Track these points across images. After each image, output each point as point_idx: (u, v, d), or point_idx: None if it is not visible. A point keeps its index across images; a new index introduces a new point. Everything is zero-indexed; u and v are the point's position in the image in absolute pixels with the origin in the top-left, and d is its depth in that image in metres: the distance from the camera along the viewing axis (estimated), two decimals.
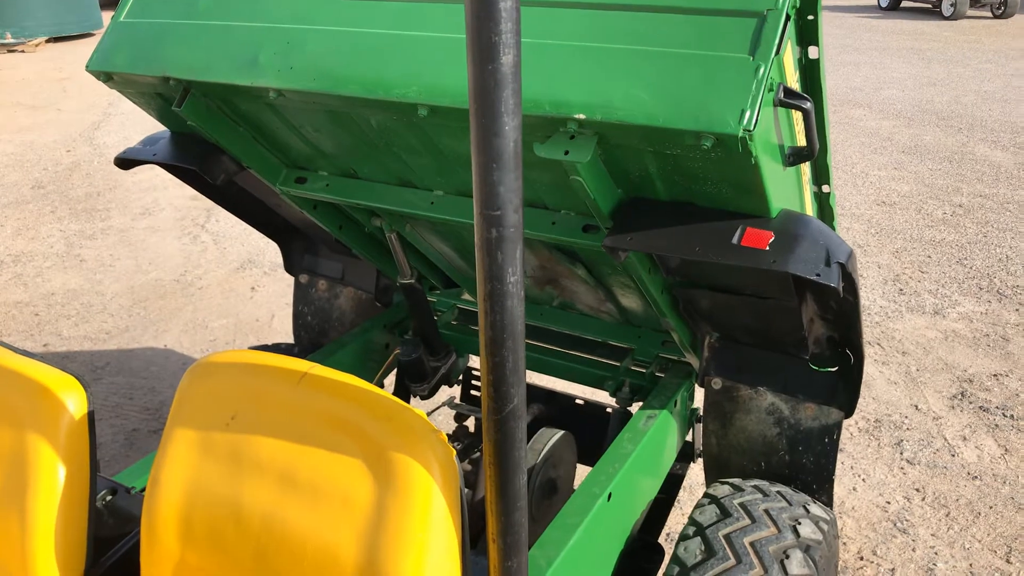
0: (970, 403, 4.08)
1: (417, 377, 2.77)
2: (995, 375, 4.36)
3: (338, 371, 1.30)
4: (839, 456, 3.53)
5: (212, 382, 1.37)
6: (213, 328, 4.71)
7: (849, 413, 2.21)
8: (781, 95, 1.52)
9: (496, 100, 0.88)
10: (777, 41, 1.45)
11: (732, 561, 1.83)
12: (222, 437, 1.32)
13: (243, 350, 1.40)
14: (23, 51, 14.40)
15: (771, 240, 1.66)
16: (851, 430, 3.78)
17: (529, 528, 1.62)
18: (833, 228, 2.30)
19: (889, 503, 3.25)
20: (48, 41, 14.97)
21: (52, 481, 1.52)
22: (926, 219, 7.20)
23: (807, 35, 1.68)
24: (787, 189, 1.83)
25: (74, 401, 1.55)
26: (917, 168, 8.73)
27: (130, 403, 3.89)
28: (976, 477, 3.46)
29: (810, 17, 1.62)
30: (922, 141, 9.61)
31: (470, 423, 2.86)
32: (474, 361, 3.20)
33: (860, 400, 4.02)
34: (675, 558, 1.89)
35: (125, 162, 2.27)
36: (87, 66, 2.07)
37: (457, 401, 2.83)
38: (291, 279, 2.96)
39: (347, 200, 2.14)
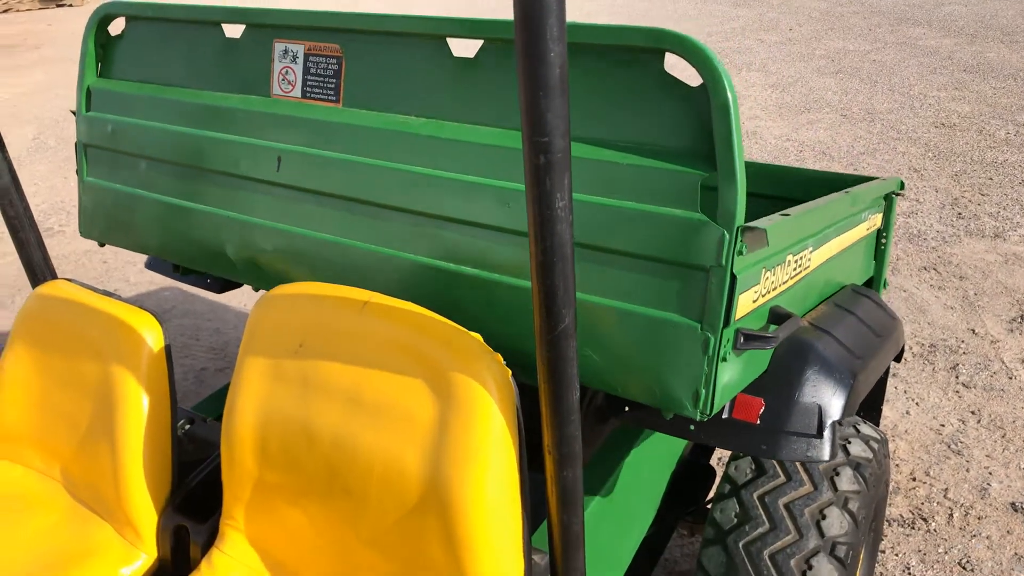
0: None
1: None
2: None
3: (397, 299, 1.37)
4: (892, 381, 3.53)
5: (280, 313, 1.45)
6: None
7: (897, 359, 2.23)
8: (741, 342, 1.40)
9: (541, 27, 0.90)
10: (724, 308, 1.33)
11: (782, 479, 1.88)
12: (292, 364, 1.40)
13: (307, 283, 1.47)
14: (71, 5, 14.60)
15: (761, 410, 1.63)
16: (905, 355, 3.77)
17: (584, 451, 1.68)
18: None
19: (943, 426, 3.25)
20: None
21: (137, 411, 1.63)
22: (988, 140, 6.96)
23: None
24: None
25: (151, 336, 1.66)
26: (979, 87, 8.41)
27: (197, 343, 4.05)
28: None
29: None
30: (985, 59, 9.22)
31: None
32: None
33: (914, 325, 3.99)
34: (726, 477, 1.95)
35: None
36: (79, 232, 2.22)
37: None
38: None
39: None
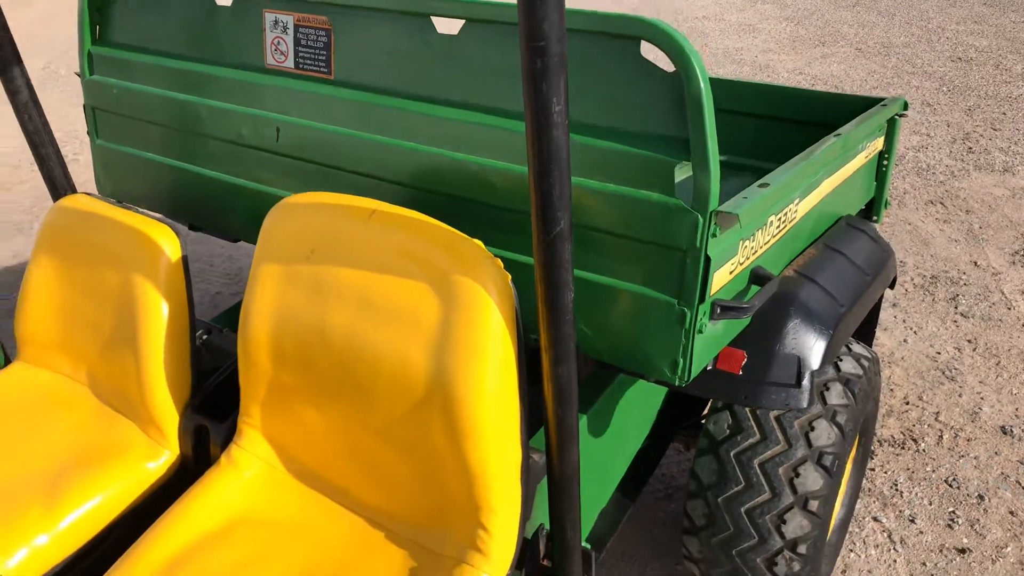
0: None
1: None
2: None
3: (403, 208, 1.43)
4: (892, 310, 3.59)
5: (292, 221, 1.51)
6: None
7: (890, 287, 2.31)
8: (717, 312, 1.47)
9: None
10: (699, 286, 1.39)
11: None
12: (304, 269, 1.47)
13: (317, 193, 1.53)
14: None
15: (744, 362, 1.71)
16: (906, 286, 3.82)
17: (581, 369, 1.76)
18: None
19: (939, 353, 3.32)
20: None
21: (157, 317, 1.71)
22: (1004, 75, 6.87)
23: None
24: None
25: (169, 246, 1.73)
26: (999, 20, 8.24)
27: (211, 269, 4.14)
28: None
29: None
30: None
31: None
32: None
33: (917, 257, 4.03)
34: None
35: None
36: (97, 189, 2.27)
37: None
38: None
39: None
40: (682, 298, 1.42)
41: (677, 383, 1.47)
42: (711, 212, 1.37)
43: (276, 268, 1.52)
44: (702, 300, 1.43)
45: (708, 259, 1.40)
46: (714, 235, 1.39)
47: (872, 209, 2.50)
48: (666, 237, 1.40)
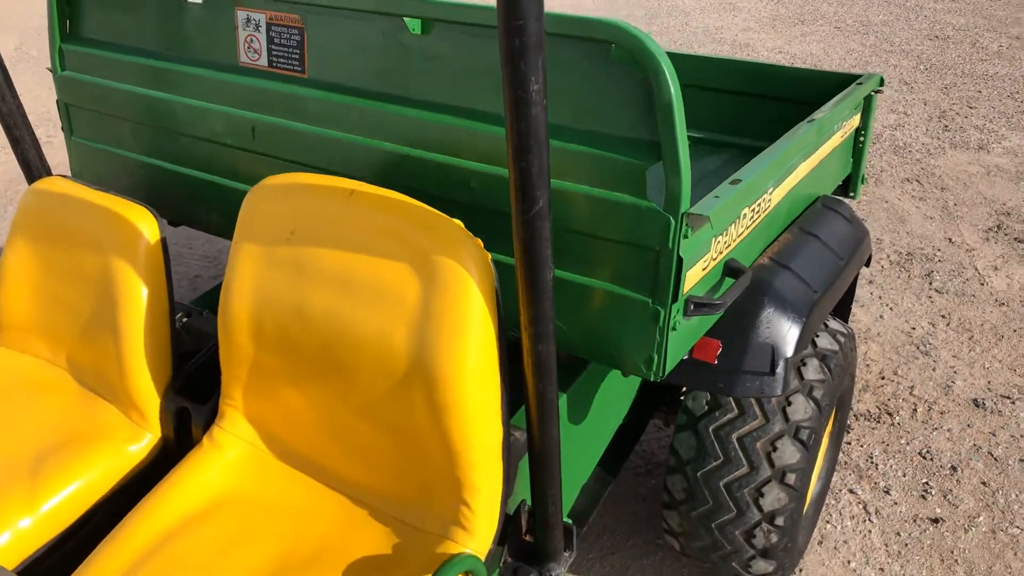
0: (1005, 235, 4.11)
1: None
2: None
3: (382, 188, 1.43)
4: (868, 287, 3.64)
5: (271, 202, 1.51)
6: None
7: (865, 264, 2.34)
8: (691, 309, 1.50)
9: None
10: (672, 285, 1.41)
11: None
12: (284, 250, 1.48)
13: (296, 173, 1.53)
14: None
15: (719, 351, 1.75)
16: (882, 263, 3.87)
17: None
18: None
19: (914, 329, 3.37)
20: None
21: (137, 299, 1.71)
22: (980, 53, 6.92)
23: None
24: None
25: (147, 228, 1.72)
26: None
27: (190, 252, 4.12)
28: (1003, 304, 3.55)
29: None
30: None
31: None
32: None
33: (893, 235, 4.08)
34: None
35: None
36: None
37: None
38: None
39: None
40: (656, 297, 1.45)
41: (652, 378, 1.51)
42: (683, 214, 1.39)
43: (256, 249, 1.52)
44: (675, 299, 1.45)
45: (680, 260, 1.42)
46: (686, 236, 1.42)
47: (849, 186, 2.53)
48: (639, 238, 1.42)
